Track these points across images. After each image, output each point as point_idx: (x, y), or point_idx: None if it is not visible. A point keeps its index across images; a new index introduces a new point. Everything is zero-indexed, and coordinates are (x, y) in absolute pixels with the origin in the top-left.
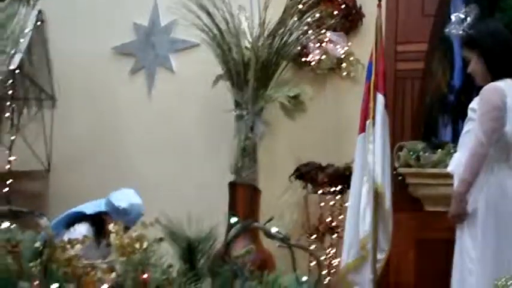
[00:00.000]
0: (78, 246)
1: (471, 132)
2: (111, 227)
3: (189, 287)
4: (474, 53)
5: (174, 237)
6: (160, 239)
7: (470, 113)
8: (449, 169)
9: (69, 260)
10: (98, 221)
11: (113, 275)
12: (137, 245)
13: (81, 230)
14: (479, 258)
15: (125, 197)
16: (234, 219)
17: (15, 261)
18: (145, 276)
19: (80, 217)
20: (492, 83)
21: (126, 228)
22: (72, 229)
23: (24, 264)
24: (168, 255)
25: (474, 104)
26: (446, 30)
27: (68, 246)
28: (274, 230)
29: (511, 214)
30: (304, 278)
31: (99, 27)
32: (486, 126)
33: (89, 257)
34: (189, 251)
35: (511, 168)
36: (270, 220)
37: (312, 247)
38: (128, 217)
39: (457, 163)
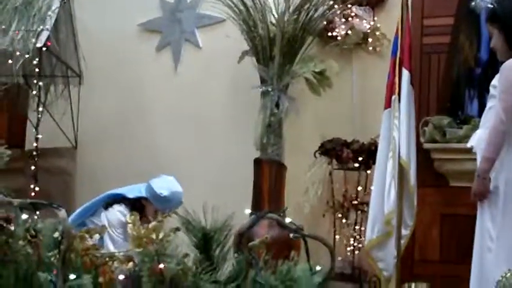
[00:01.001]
0: (96, 236)
1: (493, 109)
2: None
3: (204, 277)
4: (496, 27)
5: (190, 227)
6: (177, 229)
7: (492, 90)
8: (469, 144)
9: (87, 250)
10: (138, 206)
11: (130, 264)
12: (153, 236)
13: (121, 209)
14: (498, 237)
15: (166, 185)
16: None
17: (35, 251)
18: (161, 266)
19: (120, 199)
20: (511, 60)
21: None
22: (110, 209)
23: (43, 254)
24: (184, 245)
25: (495, 80)
26: (473, 3)
27: (87, 235)
28: (287, 220)
29: None
30: (318, 268)
31: (125, 4)
32: (506, 104)
33: (127, 240)
34: (205, 240)
35: None
36: (284, 211)
37: (337, 223)
38: (168, 204)
39: (478, 139)
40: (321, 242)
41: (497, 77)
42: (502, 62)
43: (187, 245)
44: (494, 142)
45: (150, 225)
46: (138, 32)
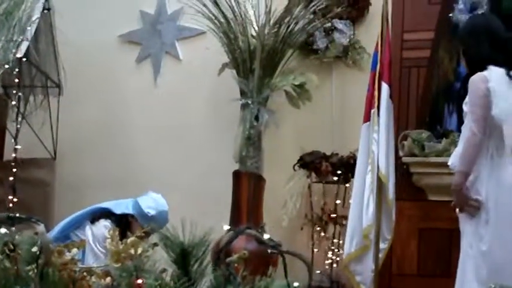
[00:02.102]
0: (74, 251)
1: (465, 125)
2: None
3: None
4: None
5: (168, 243)
6: (155, 245)
7: (464, 107)
8: (449, 163)
9: (65, 264)
10: (124, 222)
11: (108, 279)
12: (132, 251)
13: (106, 224)
14: (481, 247)
15: (154, 204)
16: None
17: (13, 264)
18: (139, 281)
19: (106, 214)
20: (476, 73)
21: (148, 234)
22: (97, 223)
23: (21, 268)
24: (162, 260)
25: (467, 97)
26: (451, 16)
27: (65, 250)
28: (265, 237)
29: (507, 204)
30: (296, 284)
31: (105, 15)
32: (475, 115)
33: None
34: (183, 256)
35: (506, 158)
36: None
37: (315, 236)
38: (154, 223)
39: (457, 156)
40: (299, 258)
41: (468, 95)
42: None
43: (165, 261)
44: (467, 155)
45: (129, 241)
46: (118, 44)
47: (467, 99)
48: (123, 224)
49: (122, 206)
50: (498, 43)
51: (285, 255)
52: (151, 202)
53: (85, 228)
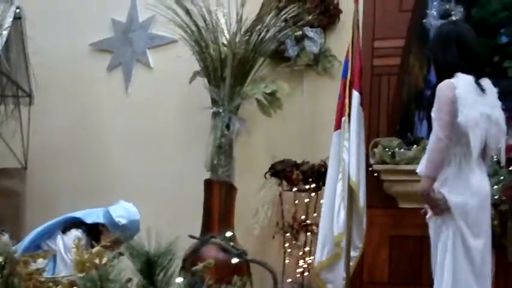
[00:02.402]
0: (40, 261)
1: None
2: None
3: None
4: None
5: (134, 252)
6: (120, 254)
7: (433, 115)
8: (418, 170)
9: (30, 274)
10: (95, 231)
11: None
12: (97, 260)
13: (77, 234)
14: (451, 251)
15: (125, 213)
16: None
17: None
18: None
19: (77, 223)
20: (444, 80)
21: (119, 243)
22: (68, 232)
23: None
24: (128, 270)
25: (434, 105)
26: (422, 24)
27: (30, 260)
28: (231, 245)
29: (477, 209)
30: None
31: (77, 23)
32: (441, 121)
33: None
34: (148, 265)
35: (475, 163)
36: (228, 236)
37: (287, 245)
38: (125, 232)
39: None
40: (264, 267)
41: (435, 102)
42: None
43: (131, 270)
44: (433, 160)
45: (94, 250)
46: (90, 52)
47: (434, 106)
48: (94, 233)
49: (93, 215)
50: (467, 51)
51: (254, 263)
52: (122, 211)
53: (56, 238)
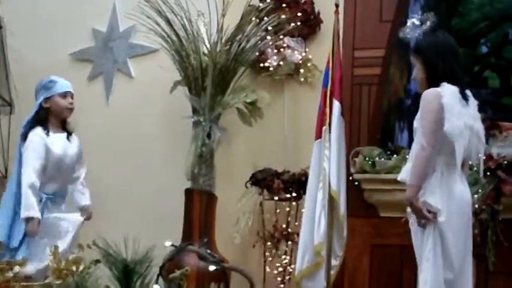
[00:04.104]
0: (17, 268)
1: (416, 140)
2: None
3: None
4: (418, 60)
5: (111, 259)
6: (97, 261)
7: (415, 124)
8: (399, 178)
9: (7, 282)
10: (44, 112)
11: None
12: (74, 268)
13: (34, 133)
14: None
15: (43, 78)
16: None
17: None
18: None
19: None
20: (430, 89)
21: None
22: (27, 140)
23: None
24: (105, 277)
25: (418, 113)
26: (401, 33)
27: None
28: (208, 252)
29: (459, 217)
30: None
31: (57, 33)
32: (426, 129)
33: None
34: (125, 273)
35: (458, 172)
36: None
37: (267, 254)
38: (58, 84)
39: (407, 171)
40: (241, 274)
41: (419, 110)
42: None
43: (108, 277)
44: (418, 169)
45: (70, 258)
46: (70, 61)
47: (418, 115)
48: (45, 114)
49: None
50: (458, 61)
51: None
52: (41, 80)
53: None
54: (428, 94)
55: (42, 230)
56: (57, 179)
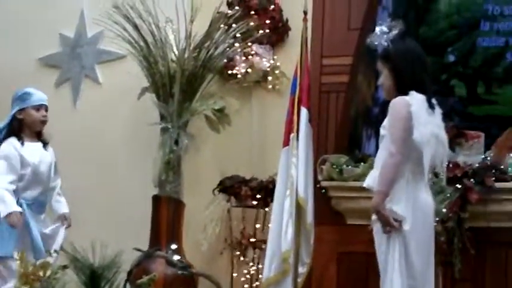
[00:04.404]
0: None
1: (383, 147)
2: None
3: None
4: (386, 67)
5: (78, 265)
6: (64, 267)
7: (382, 131)
8: (365, 184)
9: None
10: (17, 123)
11: None
12: (41, 273)
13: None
14: (398, 268)
15: (20, 89)
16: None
17: None
18: None
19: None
20: (398, 97)
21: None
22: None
23: None
24: (72, 283)
25: (386, 121)
26: (368, 40)
27: None
28: (176, 258)
29: (423, 225)
30: None
31: (25, 38)
32: (395, 136)
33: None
34: (93, 278)
35: (424, 181)
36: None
37: (235, 261)
38: (32, 97)
39: (374, 178)
40: (208, 280)
41: (387, 117)
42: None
43: (75, 283)
44: (385, 176)
45: (38, 263)
46: (38, 67)
47: (385, 122)
48: (19, 124)
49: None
50: (427, 68)
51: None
52: (17, 90)
53: None
54: (397, 102)
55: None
56: (35, 187)
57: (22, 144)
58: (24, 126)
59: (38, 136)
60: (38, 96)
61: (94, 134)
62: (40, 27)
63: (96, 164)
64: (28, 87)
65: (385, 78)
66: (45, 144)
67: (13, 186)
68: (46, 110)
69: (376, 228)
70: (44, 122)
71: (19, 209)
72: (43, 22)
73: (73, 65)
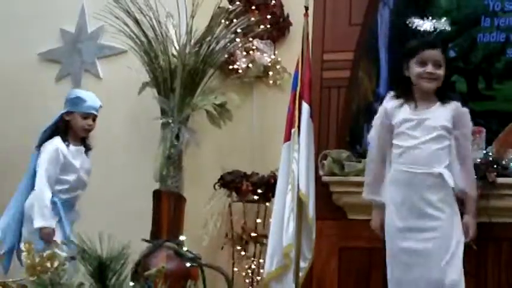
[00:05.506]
0: None
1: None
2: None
3: None
4: (443, 58)
5: (86, 256)
6: (72, 258)
7: (442, 131)
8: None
9: None
10: (63, 125)
11: None
12: (48, 264)
13: (52, 143)
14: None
15: (77, 90)
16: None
17: None
18: None
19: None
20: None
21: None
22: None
23: None
24: (80, 274)
25: (445, 122)
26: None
27: None
28: (184, 249)
29: None
30: None
31: (25, 33)
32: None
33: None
34: (100, 269)
35: None
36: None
37: (236, 256)
38: (87, 104)
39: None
40: (217, 271)
41: (444, 116)
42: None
43: (83, 274)
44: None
45: (45, 254)
46: (38, 62)
47: (445, 123)
48: (65, 127)
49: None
50: None
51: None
52: (74, 91)
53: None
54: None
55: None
56: (74, 191)
57: (68, 145)
58: (69, 128)
59: (82, 140)
60: (89, 104)
61: (95, 128)
62: (40, 22)
63: (97, 158)
64: (83, 91)
65: (442, 70)
66: (87, 150)
67: (50, 193)
68: (94, 119)
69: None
70: (88, 131)
71: (52, 225)
72: (43, 17)
73: (73, 60)
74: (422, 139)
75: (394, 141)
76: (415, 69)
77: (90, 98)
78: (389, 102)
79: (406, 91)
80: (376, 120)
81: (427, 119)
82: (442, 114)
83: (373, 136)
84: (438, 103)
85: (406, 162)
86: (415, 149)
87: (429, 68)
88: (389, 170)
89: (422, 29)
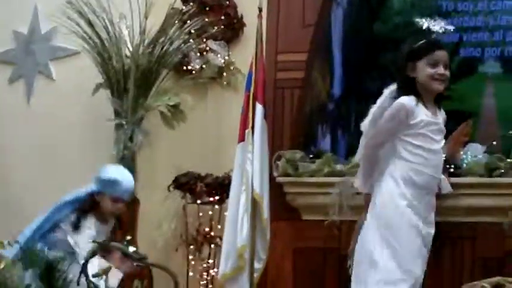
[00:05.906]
0: None
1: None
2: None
3: None
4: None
5: (33, 257)
6: (19, 259)
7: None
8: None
9: None
10: (92, 204)
11: None
12: None
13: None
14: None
15: (113, 169)
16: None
17: None
18: None
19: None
20: None
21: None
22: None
23: None
24: (27, 276)
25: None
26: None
27: None
28: (131, 249)
29: None
30: None
31: None
32: None
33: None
34: (47, 271)
35: None
36: (128, 241)
37: (190, 257)
38: (120, 187)
39: None
40: (164, 271)
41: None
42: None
43: (30, 276)
44: None
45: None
46: None
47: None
48: (92, 206)
49: (76, 194)
50: None
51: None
52: (109, 169)
53: (66, 234)
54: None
55: None
56: None
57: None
58: (97, 207)
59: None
60: (122, 188)
61: (48, 130)
62: None
63: (50, 160)
64: (119, 170)
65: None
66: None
67: None
68: (123, 202)
69: None
70: (114, 214)
71: None
72: None
73: (27, 62)
74: (442, 144)
75: (413, 141)
76: (426, 70)
77: (126, 182)
78: (405, 99)
79: (411, 92)
80: (391, 115)
81: (439, 123)
82: (442, 119)
83: (383, 127)
84: (436, 107)
85: (429, 166)
86: (438, 154)
87: (441, 70)
88: (394, 164)
89: (434, 30)
